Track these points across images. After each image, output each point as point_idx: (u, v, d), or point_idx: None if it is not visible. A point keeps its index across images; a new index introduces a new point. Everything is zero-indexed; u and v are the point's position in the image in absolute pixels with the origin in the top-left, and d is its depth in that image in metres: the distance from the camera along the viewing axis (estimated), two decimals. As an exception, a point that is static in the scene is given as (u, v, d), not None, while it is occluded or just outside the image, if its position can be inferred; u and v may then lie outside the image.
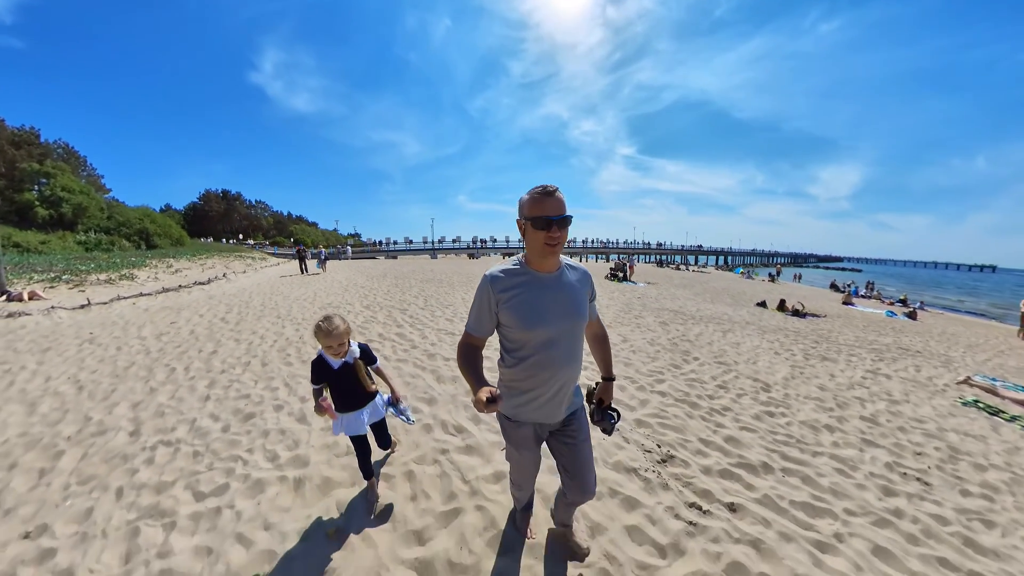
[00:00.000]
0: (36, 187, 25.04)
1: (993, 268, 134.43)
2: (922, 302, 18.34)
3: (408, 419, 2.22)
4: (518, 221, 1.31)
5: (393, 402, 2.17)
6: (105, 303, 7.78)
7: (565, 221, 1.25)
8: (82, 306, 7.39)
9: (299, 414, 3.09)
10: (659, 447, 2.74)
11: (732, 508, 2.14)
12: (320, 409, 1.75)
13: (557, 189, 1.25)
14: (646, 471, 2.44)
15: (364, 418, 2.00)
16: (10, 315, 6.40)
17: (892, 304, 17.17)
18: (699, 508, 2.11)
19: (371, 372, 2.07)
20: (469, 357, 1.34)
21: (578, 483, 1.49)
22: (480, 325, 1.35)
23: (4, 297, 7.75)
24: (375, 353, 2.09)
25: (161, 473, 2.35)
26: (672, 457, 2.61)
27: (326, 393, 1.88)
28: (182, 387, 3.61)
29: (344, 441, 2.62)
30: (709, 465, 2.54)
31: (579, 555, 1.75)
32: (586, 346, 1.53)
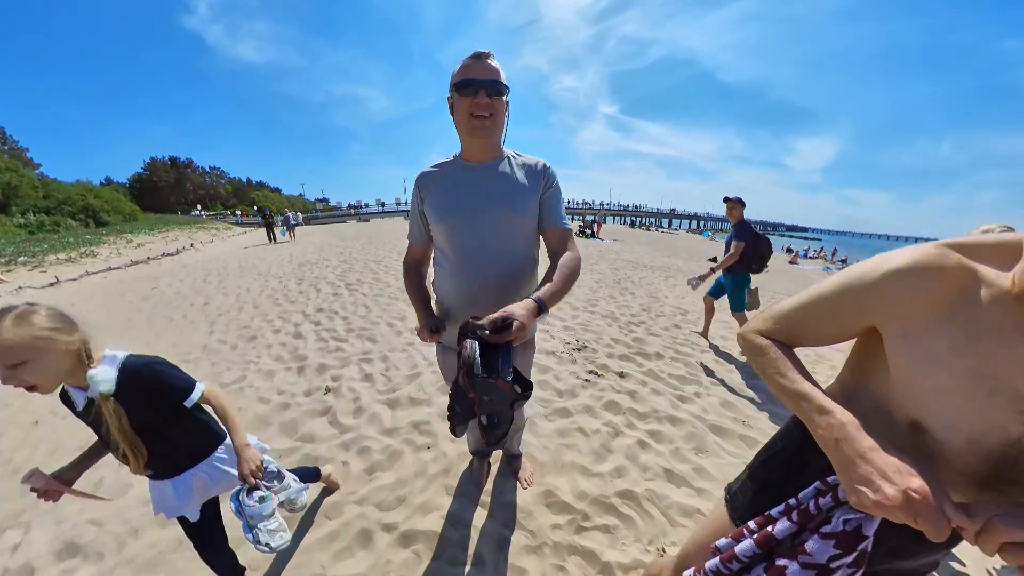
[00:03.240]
0: (-52, 167, 21.88)
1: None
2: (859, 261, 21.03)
3: (260, 543, 1.02)
4: (448, 99, 1.13)
5: (241, 478, 1.06)
6: (75, 279, 7.70)
7: (496, 87, 1.06)
8: (51, 284, 7.24)
9: (295, 332, 3.80)
10: (577, 341, 3.58)
11: (621, 375, 2.98)
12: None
13: (491, 55, 1.07)
14: (561, 353, 3.27)
15: (171, 491, 1.07)
16: (-24, 299, 6.36)
17: (834, 263, 18.93)
18: (596, 374, 2.94)
19: (189, 415, 1.06)
20: (411, 274, 1.29)
21: None
22: (414, 230, 1.28)
23: None
24: (192, 376, 1.06)
25: (188, 376, 2.98)
26: (585, 347, 3.45)
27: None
28: (185, 330, 4.13)
29: (337, 336, 3.52)
30: (613, 352, 3.38)
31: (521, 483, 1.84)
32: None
